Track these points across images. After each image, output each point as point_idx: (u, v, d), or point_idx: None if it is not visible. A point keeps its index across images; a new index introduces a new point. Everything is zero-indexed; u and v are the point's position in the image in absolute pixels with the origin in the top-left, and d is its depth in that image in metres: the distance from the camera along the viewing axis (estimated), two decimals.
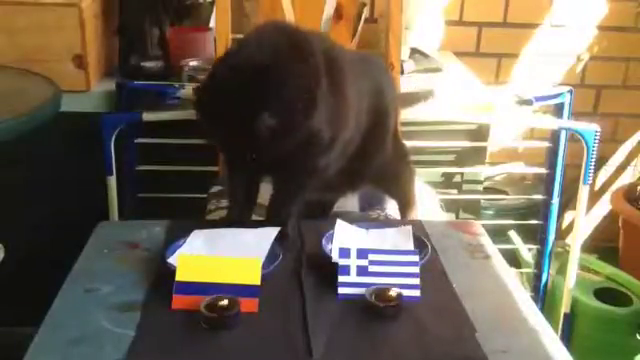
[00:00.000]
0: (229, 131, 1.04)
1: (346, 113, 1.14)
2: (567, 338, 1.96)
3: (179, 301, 0.94)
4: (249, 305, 0.94)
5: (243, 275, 0.96)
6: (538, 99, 1.86)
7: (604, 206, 2.66)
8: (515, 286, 1.06)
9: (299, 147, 1.07)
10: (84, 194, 1.85)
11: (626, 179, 2.64)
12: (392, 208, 1.42)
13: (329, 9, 1.82)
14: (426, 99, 1.63)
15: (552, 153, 1.93)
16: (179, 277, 0.96)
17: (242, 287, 0.95)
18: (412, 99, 1.64)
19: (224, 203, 1.44)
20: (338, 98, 1.11)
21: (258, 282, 0.96)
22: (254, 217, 1.23)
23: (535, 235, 2.03)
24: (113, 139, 1.71)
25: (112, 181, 1.75)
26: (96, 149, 1.72)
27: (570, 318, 1.96)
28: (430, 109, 1.68)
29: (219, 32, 1.64)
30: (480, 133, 1.96)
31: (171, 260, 1.03)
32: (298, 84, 1.04)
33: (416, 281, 1.00)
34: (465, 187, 2.02)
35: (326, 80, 1.08)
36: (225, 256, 1.01)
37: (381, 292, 0.97)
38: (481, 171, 2.03)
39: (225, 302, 0.92)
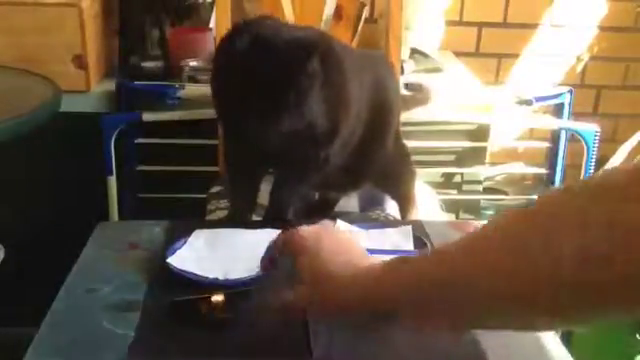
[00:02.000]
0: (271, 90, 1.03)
1: (344, 107, 1.15)
2: (567, 338, 1.96)
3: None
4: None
5: None
6: (538, 99, 1.87)
7: None
8: None
9: (298, 140, 1.07)
10: (84, 194, 1.85)
11: None
12: (392, 208, 1.42)
13: (329, 9, 1.83)
14: (425, 102, 1.63)
15: (552, 153, 1.94)
16: None
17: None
18: (411, 102, 1.64)
19: (224, 203, 1.44)
20: (335, 93, 1.12)
21: None
22: (254, 217, 1.23)
23: None
24: (113, 139, 1.71)
25: (112, 181, 1.75)
26: (96, 149, 1.72)
27: None
28: (430, 109, 1.68)
29: (219, 32, 1.65)
30: (480, 133, 1.96)
31: (171, 260, 1.03)
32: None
33: None
34: (465, 187, 2.02)
35: (321, 75, 1.08)
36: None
37: None
38: (481, 171, 2.03)
39: (224, 301, 0.92)
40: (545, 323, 0.65)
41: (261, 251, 1.05)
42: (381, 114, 1.26)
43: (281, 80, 1.02)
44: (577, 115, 2.02)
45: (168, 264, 1.02)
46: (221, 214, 1.39)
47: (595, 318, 0.61)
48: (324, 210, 1.38)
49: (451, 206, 1.96)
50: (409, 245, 1.10)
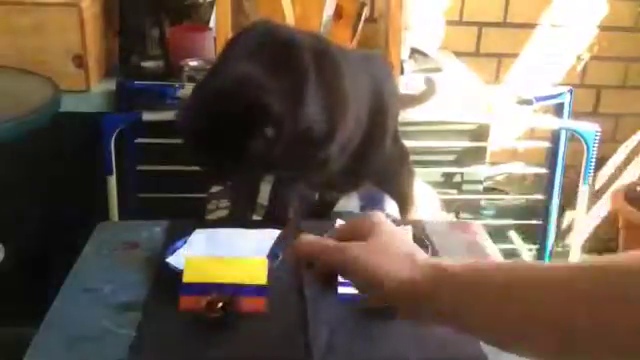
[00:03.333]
0: (222, 152, 1.04)
1: (342, 109, 1.15)
2: None
3: (185, 302, 0.94)
4: (256, 305, 0.93)
5: (250, 275, 0.96)
6: (538, 99, 1.87)
7: (604, 206, 2.66)
8: None
9: (297, 142, 1.07)
10: (84, 194, 1.85)
11: (626, 179, 2.64)
12: (392, 208, 1.42)
13: (329, 9, 1.83)
14: (426, 99, 1.62)
15: (552, 153, 1.94)
16: (186, 279, 0.95)
17: (249, 287, 0.95)
18: (412, 100, 1.64)
19: (224, 203, 1.44)
20: (333, 94, 1.12)
21: (264, 282, 0.96)
22: (254, 217, 1.23)
23: (535, 235, 2.03)
24: (113, 139, 1.71)
25: (112, 181, 1.75)
26: (96, 149, 1.72)
27: None
28: (430, 109, 1.68)
29: (219, 32, 1.65)
30: (480, 133, 1.96)
31: (171, 260, 1.03)
32: (283, 87, 1.04)
33: None
34: (465, 187, 2.02)
35: (318, 77, 1.08)
36: (231, 256, 1.00)
37: None
38: (481, 171, 2.03)
39: (226, 302, 0.92)
40: None
41: (261, 251, 1.05)
42: (379, 116, 1.26)
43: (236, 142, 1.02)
44: (577, 115, 2.02)
45: (168, 264, 1.02)
46: (221, 214, 1.39)
47: None
48: (324, 210, 1.38)
49: (451, 206, 1.96)
50: None
